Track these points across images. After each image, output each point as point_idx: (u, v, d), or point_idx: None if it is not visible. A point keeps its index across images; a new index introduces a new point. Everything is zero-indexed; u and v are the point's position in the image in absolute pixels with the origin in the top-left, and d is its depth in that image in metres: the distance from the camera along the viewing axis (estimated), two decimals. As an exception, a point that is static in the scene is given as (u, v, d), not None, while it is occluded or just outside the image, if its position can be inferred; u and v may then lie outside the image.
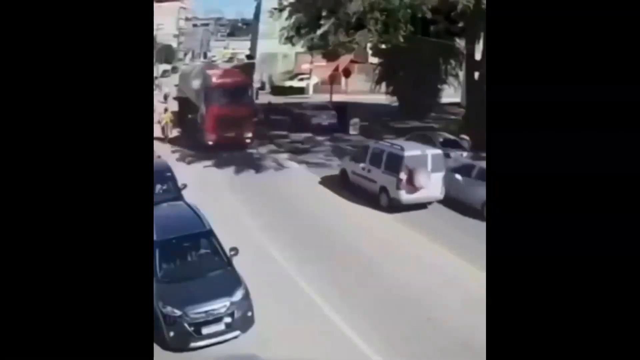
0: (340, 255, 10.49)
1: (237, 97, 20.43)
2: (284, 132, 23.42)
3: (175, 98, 30.27)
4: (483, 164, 13.04)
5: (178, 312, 7.07)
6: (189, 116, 23.14)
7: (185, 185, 12.12)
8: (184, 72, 31.38)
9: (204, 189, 14.24)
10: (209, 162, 18.59)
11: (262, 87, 41.84)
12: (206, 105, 20.19)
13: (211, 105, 19.95)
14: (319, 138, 22.58)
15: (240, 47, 75.18)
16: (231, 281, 7.68)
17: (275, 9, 19.66)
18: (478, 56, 20.17)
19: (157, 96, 30.65)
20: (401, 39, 17.54)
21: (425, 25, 19.06)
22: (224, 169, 17.96)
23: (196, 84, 22.37)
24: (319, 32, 17.90)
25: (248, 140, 20.53)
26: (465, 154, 16.39)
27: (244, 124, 20.27)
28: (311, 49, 25.12)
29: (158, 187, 11.02)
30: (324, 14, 17.59)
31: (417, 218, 12.65)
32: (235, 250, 8.25)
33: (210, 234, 8.48)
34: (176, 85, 37.89)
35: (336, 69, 32.84)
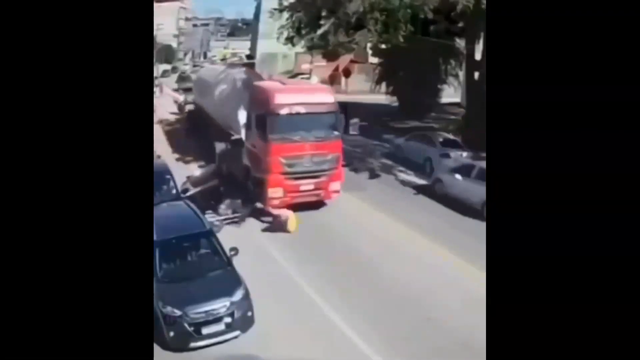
0: (340, 255, 10.49)
1: (319, 127, 12.39)
2: None
3: (184, 103, 26.01)
4: (483, 164, 13.05)
5: (178, 312, 7.07)
6: (221, 145, 15.41)
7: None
8: (201, 77, 22.06)
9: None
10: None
11: None
12: (263, 141, 12.10)
13: (273, 141, 11.89)
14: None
15: (240, 47, 75.32)
16: (231, 281, 7.68)
17: (275, 9, 19.67)
18: (478, 56, 20.18)
19: (158, 99, 29.81)
20: (401, 39, 17.57)
21: (425, 25, 19.11)
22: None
23: (235, 101, 14.48)
24: (319, 32, 17.91)
25: (336, 195, 12.98)
26: (465, 154, 16.41)
27: (329, 170, 12.49)
28: (311, 49, 25.13)
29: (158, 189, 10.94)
30: (323, 14, 17.61)
31: (417, 218, 12.65)
32: (235, 250, 8.26)
33: (210, 234, 8.49)
34: (176, 90, 37.13)
35: (336, 69, 32.93)
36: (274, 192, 12.05)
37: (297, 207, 12.21)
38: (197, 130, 19.73)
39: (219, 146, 15.68)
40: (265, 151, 12.11)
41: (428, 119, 26.38)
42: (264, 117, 12.07)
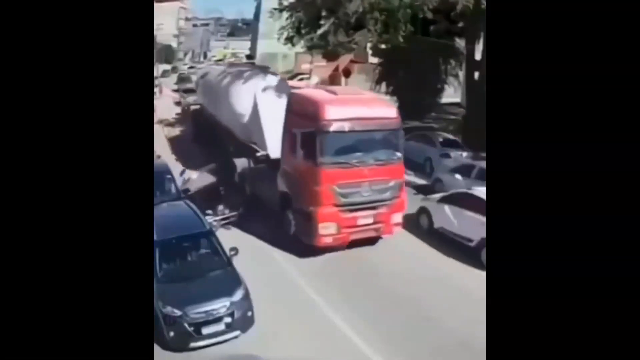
0: (340, 255, 10.46)
1: (380, 148, 10.32)
2: None
3: (187, 106, 24.40)
4: (483, 164, 13.05)
5: (178, 312, 7.08)
6: (242, 162, 13.51)
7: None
8: (209, 80, 19.33)
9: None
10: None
11: None
12: (312, 166, 9.82)
13: (325, 166, 9.67)
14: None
15: (240, 47, 75.46)
16: (231, 281, 7.68)
17: (275, 9, 19.66)
18: (478, 56, 20.18)
19: (158, 100, 29.46)
20: (401, 39, 17.56)
21: (425, 25, 19.09)
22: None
23: (258, 111, 13.01)
24: (319, 32, 17.90)
25: (397, 229, 10.82)
26: (465, 154, 16.41)
27: (391, 199, 10.35)
28: (311, 49, 25.13)
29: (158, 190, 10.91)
30: (323, 14, 17.60)
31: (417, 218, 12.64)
32: (235, 250, 8.26)
33: (210, 234, 8.50)
34: (176, 91, 36.82)
35: (336, 69, 32.91)
36: (326, 228, 9.82)
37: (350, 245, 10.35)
38: (205, 140, 17.61)
39: (240, 163, 13.53)
40: (314, 178, 9.78)
41: (428, 119, 26.34)
42: (313, 135, 9.70)
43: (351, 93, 11.05)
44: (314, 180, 9.81)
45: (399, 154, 10.51)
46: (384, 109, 10.85)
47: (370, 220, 10.24)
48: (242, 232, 11.20)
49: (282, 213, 11.00)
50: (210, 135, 17.29)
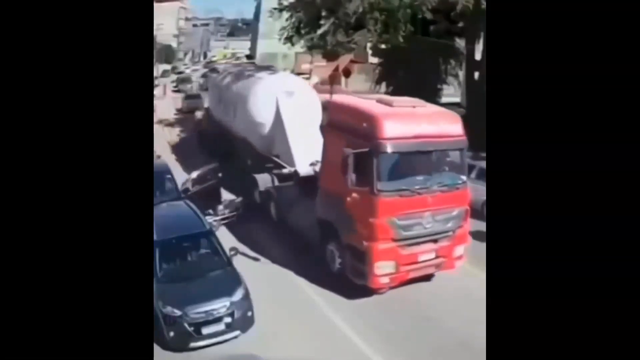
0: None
1: (443, 170, 9.02)
2: None
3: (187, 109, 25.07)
4: (483, 164, 13.04)
5: (178, 312, 7.08)
6: (265, 179, 11.91)
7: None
8: (213, 80, 18.16)
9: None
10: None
11: None
12: (367, 193, 8.24)
13: (384, 193, 8.16)
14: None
15: (240, 47, 75.59)
16: (231, 281, 7.68)
17: (275, 9, 19.68)
18: (478, 56, 20.19)
19: (162, 100, 29.23)
20: (401, 39, 17.59)
21: (425, 25, 19.12)
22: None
23: (282, 120, 11.80)
24: (319, 32, 17.92)
25: (460, 263, 9.27)
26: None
27: (454, 230, 8.90)
28: (311, 49, 25.16)
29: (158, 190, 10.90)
30: (323, 14, 17.63)
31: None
32: (235, 250, 8.27)
33: (210, 233, 8.50)
34: (175, 91, 36.60)
35: (336, 69, 32.82)
36: (383, 267, 8.33)
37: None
38: (215, 153, 15.66)
39: (262, 181, 11.92)
40: (369, 208, 8.22)
41: (428, 119, 26.23)
42: (370, 156, 8.11)
43: (409, 105, 9.30)
44: (370, 211, 8.22)
45: (464, 178, 9.11)
46: (448, 125, 8.97)
47: (432, 256, 8.80)
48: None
49: (322, 246, 9.51)
50: (220, 145, 15.59)
